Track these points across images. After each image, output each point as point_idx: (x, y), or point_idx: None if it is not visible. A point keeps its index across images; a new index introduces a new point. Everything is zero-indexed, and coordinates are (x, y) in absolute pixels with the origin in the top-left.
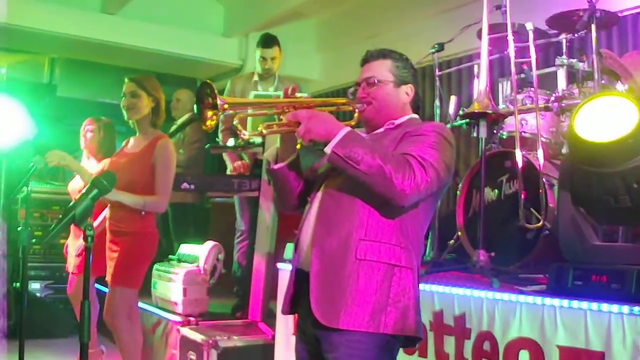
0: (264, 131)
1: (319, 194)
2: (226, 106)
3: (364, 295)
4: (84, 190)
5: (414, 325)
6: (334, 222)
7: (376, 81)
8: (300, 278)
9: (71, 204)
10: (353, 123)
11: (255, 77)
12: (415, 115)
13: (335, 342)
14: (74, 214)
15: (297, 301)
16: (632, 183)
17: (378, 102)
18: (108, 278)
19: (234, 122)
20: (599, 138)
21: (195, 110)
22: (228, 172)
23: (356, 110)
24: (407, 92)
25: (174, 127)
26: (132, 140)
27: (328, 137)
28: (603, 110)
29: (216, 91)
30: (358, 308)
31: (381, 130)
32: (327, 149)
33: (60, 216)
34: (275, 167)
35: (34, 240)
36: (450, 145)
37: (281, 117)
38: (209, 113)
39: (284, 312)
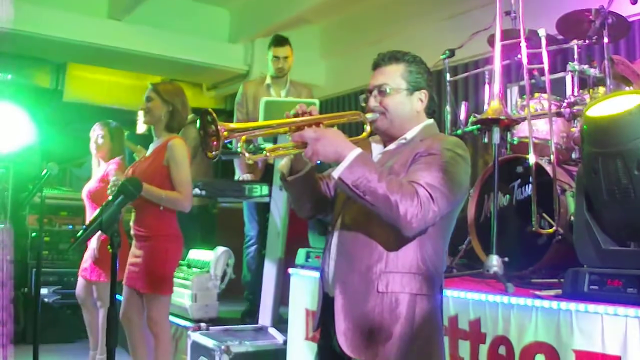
0: (269, 154)
1: (337, 226)
2: (226, 133)
3: (389, 327)
4: (110, 197)
5: (438, 352)
6: (354, 257)
7: (388, 90)
8: (326, 300)
9: (98, 210)
10: (362, 137)
11: (268, 81)
12: (430, 121)
13: None
14: (101, 220)
15: (325, 318)
16: (633, 168)
17: (390, 113)
18: (128, 283)
19: (239, 145)
20: (603, 113)
21: (200, 143)
22: (236, 179)
23: (367, 123)
24: (420, 98)
25: None
26: (151, 146)
27: (337, 160)
28: (616, 102)
29: (217, 118)
30: (385, 341)
31: (393, 146)
32: (335, 175)
33: (87, 223)
34: (289, 179)
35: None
36: (463, 160)
37: (288, 136)
38: (213, 141)
39: (314, 330)
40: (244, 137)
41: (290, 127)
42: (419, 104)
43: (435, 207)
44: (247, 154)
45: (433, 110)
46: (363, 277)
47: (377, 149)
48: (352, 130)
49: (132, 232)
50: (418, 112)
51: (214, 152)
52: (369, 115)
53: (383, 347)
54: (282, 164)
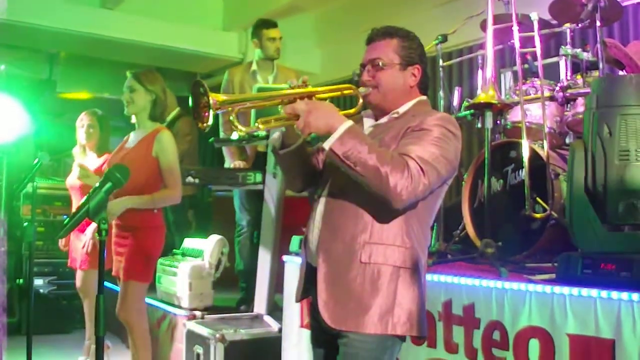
0: (261, 126)
1: (324, 194)
2: (218, 104)
3: (370, 298)
4: (97, 184)
5: (420, 326)
6: (339, 226)
7: (381, 64)
8: (310, 272)
9: (85, 198)
10: (354, 111)
11: (254, 67)
12: (423, 98)
13: (344, 337)
14: (88, 207)
15: (308, 291)
16: None
17: (383, 87)
18: (118, 273)
19: (230, 118)
20: None
21: (192, 113)
22: (226, 167)
23: (360, 96)
24: (413, 73)
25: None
26: (131, 135)
27: (328, 132)
28: None
29: (208, 89)
30: (365, 312)
31: (385, 120)
32: (326, 146)
33: (75, 210)
34: (281, 152)
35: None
36: (454, 136)
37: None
38: (205, 112)
39: (297, 301)
40: (236, 110)
41: (282, 99)
42: (412, 78)
43: (425, 181)
44: (239, 126)
45: (426, 86)
46: (347, 247)
47: (368, 122)
48: (346, 106)
49: (115, 221)
50: (411, 87)
51: (205, 124)
52: (361, 89)
53: (363, 318)
54: (274, 137)
